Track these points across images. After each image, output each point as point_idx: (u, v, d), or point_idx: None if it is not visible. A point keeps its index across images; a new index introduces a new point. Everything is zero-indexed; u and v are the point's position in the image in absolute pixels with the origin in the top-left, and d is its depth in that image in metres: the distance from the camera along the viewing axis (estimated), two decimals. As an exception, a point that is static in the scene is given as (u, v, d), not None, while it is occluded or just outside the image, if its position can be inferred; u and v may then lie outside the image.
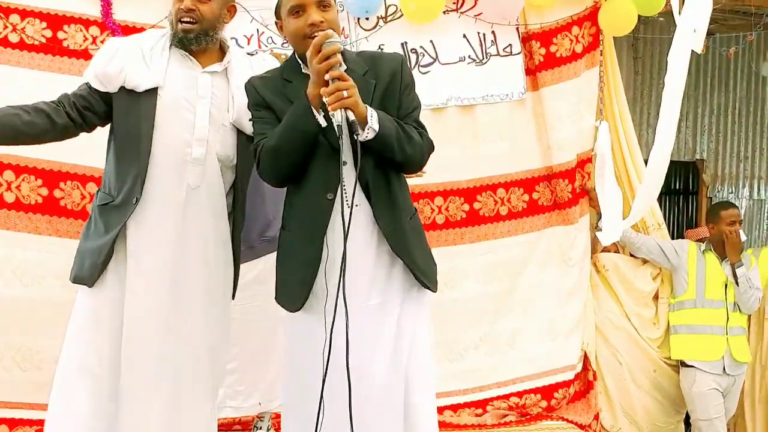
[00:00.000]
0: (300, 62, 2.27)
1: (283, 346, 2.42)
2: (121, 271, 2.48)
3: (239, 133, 2.56)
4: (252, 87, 2.28)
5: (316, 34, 2.12)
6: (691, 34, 3.34)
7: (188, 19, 2.46)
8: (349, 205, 2.12)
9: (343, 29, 3.83)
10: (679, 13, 3.37)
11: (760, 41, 5.96)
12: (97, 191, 2.60)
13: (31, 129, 2.41)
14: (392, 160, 2.19)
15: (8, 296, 3.39)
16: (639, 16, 4.15)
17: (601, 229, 4.28)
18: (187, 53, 2.52)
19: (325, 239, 2.17)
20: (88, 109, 2.50)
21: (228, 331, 2.74)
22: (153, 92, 2.46)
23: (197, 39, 2.49)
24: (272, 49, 3.72)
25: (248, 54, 3.29)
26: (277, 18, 2.32)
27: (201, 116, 2.49)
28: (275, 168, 2.20)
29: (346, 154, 2.13)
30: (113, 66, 2.45)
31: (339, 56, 2.05)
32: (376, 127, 2.09)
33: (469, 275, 4.00)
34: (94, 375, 2.48)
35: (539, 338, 4.12)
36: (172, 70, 2.50)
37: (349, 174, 2.15)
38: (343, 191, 2.09)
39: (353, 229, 2.08)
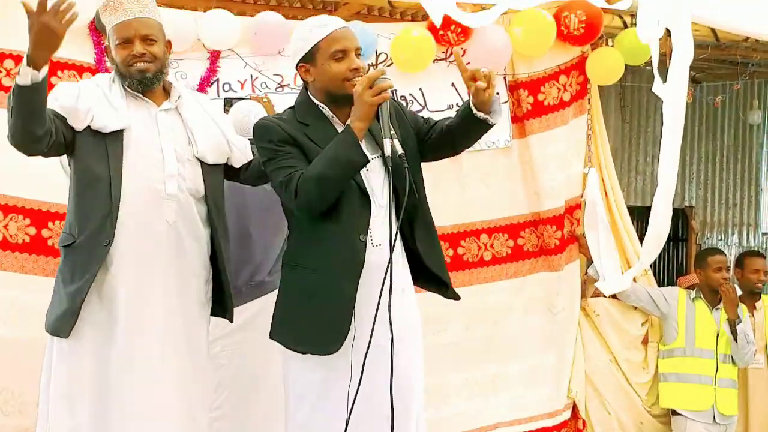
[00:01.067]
0: (319, 105, 2.35)
1: (288, 387, 2.42)
2: (98, 320, 2.47)
3: (202, 164, 2.61)
4: (274, 125, 2.32)
5: (357, 78, 2.23)
6: (682, 80, 3.42)
7: (142, 62, 2.50)
8: (391, 247, 2.16)
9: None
10: (657, 67, 3.44)
11: (747, 90, 6.06)
12: (62, 233, 2.60)
13: (42, 128, 2.37)
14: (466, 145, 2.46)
15: (-8, 337, 3.35)
16: (626, 65, 4.22)
17: (590, 275, 4.31)
18: (140, 95, 2.56)
19: (359, 281, 2.24)
20: (60, 134, 2.45)
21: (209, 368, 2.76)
22: (119, 133, 2.48)
23: (156, 77, 2.54)
24: (266, 94, 3.76)
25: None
26: (304, 62, 2.34)
27: (168, 153, 2.53)
28: (318, 198, 2.21)
29: (380, 195, 2.28)
30: (82, 104, 2.45)
31: (390, 92, 2.17)
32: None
33: (453, 320, 3.99)
34: None
35: (522, 384, 4.10)
36: (132, 112, 2.53)
37: (384, 216, 2.25)
38: (370, 233, 2.26)
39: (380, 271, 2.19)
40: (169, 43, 2.65)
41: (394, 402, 2.15)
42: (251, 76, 3.79)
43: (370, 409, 2.20)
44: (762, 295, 4.49)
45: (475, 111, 2.25)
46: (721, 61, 5.18)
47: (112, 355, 2.47)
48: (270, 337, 2.43)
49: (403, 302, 2.33)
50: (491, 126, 2.31)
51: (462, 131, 2.36)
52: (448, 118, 2.43)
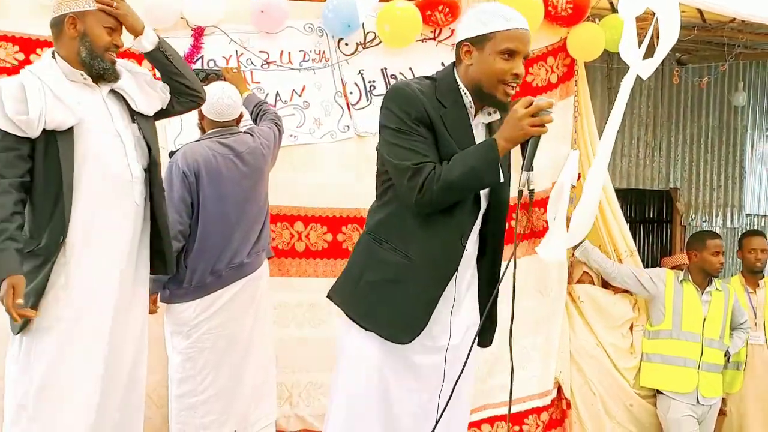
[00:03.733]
0: (462, 90, 2.22)
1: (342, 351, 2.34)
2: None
3: (139, 126, 2.61)
4: (416, 97, 2.16)
5: (513, 83, 2.15)
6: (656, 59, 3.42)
7: (115, 54, 2.54)
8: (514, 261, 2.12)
9: (323, 53, 3.85)
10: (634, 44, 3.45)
11: (732, 71, 6.08)
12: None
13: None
14: None
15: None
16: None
17: (577, 258, 4.32)
18: (86, 77, 2.52)
19: (454, 281, 2.24)
20: (28, 170, 2.41)
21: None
22: (70, 128, 2.44)
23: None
24: (239, 65, 3.73)
25: None
26: (471, 43, 2.19)
27: (126, 136, 2.55)
28: (440, 199, 2.13)
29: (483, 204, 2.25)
30: (33, 111, 2.37)
31: (547, 127, 2.06)
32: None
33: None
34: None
35: (515, 365, 4.10)
36: (82, 101, 2.50)
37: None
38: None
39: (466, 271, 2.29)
40: None
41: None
42: (236, 51, 3.76)
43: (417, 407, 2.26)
44: (766, 275, 4.52)
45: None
46: (707, 43, 5.17)
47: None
48: (328, 296, 2.36)
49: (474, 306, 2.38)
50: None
51: None
52: None
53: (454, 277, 2.23)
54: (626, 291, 4.37)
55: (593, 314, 4.29)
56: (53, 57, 2.52)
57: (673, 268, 4.52)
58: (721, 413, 4.36)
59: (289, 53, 3.83)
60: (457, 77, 2.22)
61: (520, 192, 2.07)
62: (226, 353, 3.28)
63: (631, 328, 4.35)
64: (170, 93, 2.71)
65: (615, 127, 3.58)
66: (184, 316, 3.24)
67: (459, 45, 2.22)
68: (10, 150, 2.38)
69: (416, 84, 2.23)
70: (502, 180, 2.13)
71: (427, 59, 3.94)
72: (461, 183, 2.10)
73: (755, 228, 6.25)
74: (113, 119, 2.53)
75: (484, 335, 2.36)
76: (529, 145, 2.08)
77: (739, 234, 5.35)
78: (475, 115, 2.24)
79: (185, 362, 3.25)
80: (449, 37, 3.99)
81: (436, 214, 2.17)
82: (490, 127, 2.28)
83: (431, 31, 3.98)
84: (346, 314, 2.29)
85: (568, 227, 4.08)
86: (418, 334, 2.19)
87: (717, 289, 4.23)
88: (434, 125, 2.16)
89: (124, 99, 2.60)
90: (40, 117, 2.37)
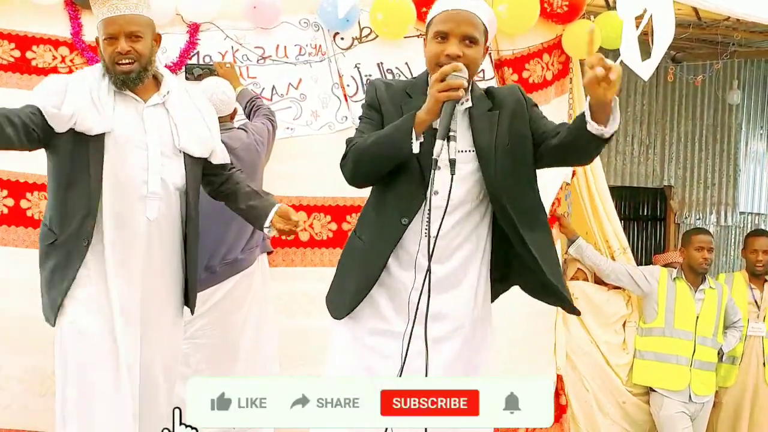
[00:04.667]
0: (429, 82, 2.19)
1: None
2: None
3: (185, 157, 2.60)
4: (373, 87, 2.25)
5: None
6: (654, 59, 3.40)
7: (126, 61, 2.49)
8: (427, 234, 2.06)
9: (320, 47, 3.84)
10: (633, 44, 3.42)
11: (727, 70, 6.09)
12: (42, 225, 2.59)
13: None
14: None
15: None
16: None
17: (570, 255, 4.33)
18: (130, 93, 2.54)
19: (414, 264, 2.15)
20: (33, 132, 2.43)
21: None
22: (101, 135, 2.46)
23: (139, 77, 2.52)
24: (233, 62, 3.72)
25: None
26: (424, 34, 2.24)
27: (153, 149, 2.52)
28: (355, 169, 2.17)
29: (439, 184, 2.08)
30: (66, 109, 2.41)
31: (462, 92, 2.00)
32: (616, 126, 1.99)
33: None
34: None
35: (512, 360, 4.11)
36: (118, 110, 2.51)
37: (438, 205, 2.10)
38: (425, 221, 2.09)
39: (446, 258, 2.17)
40: (158, 37, 2.62)
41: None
42: (232, 48, 3.75)
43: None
44: None
45: (588, 119, 1.96)
46: (702, 41, 5.19)
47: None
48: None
49: (448, 294, 2.22)
50: (606, 141, 2.02)
51: (573, 147, 2.10)
52: (562, 126, 2.19)
53: (414, 260, 2.15)
54: (619, 288, 4.37)
55: (587, 311, 4.28)
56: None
57: (665, 265, 4.53)
58: (715, 405, 4.37)
59: (285, 48, 3.82)
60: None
61: (435, 161, 1.96)
62: (220, 349, 3.28)
63: (624, 325, 4.36)
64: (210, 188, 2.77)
65: None
66: (178, 312, 3.24)
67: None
68: (32, 113, 2.40)
69: (392, 81, 2.30)
70: (415, 151, 2.05)
71: (423, 54, 3.94)
72: (372, 150, 2.12)
73: (752, 226, 6.27)
74: (146, 132, 2.52)
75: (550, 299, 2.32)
76: (443, 114, 2.00)
77: (733, 232, 5.37)
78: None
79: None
80: (445, 33, 3.99)
81: (385, 195, 2.19)
82: (471, 115, 2.22)
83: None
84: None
85: (553, 225, 4.10)
86: (348, 312, 2.19)
87: (711, 287, 4.24)
88: (384, 110, 2.19)
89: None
90: (71, 118, 2.41)
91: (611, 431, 4.26)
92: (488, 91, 2.29)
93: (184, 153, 2.59)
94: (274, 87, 3.80)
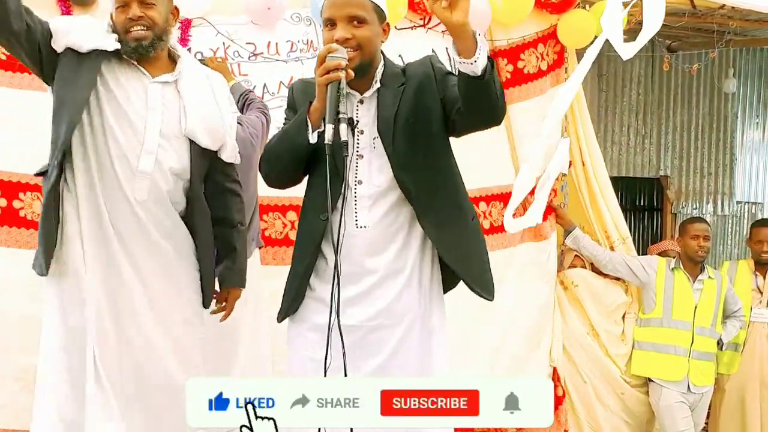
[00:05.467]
0: None
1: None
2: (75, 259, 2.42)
3: (191, 144, 2.49)
4: (291, 90, 2.28)
5: (348, 49, 2.04)
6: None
7: (139, 27, 2.39)
8: (336, 222, 2.05)
9: (311, 42, 3.81)
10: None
11: (723, 58, 6.07)
12: None
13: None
14: (480, 115, 2.06)
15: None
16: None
17: (567, 246, 4.31)
18: (135, 63, 2.44)
19: (316, 260, 2.18)
20: (33, 31, 2.34)
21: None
22: (97, 59, 2.37)
23: (152, 45, 2.41)
24: (225, 57, 3.68)
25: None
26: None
27: (151, 128, 2.41)
28: (264, 169, 2.22)
29: (360, 173, 2.12)
30: (65, 22, 2.39)
31: (342, 72, 1.97)
32: (485, 59, 1.90)
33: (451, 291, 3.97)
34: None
35: (515, 353, 4.11)
36: (122, 80, 2.42)
37: (374, 198, 2.13)
38: (355, 214, 2.12)
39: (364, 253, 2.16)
40: (175, 10, 2.52)
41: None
42: (223, 44, 3.72)
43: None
44: None
45: (456, 58, 1.91)
46: (697, 29, 5.17)
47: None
48: None
49: (382, 286, 2.18)
50: (486, 82, 1.94)
51: (465, 102, 2.03)
52: None
53: (320, 251, 2.17)
54: (618, 278, 4.36)
55: (588, 299, 4.28)
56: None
57: (660, 254, 4.52)
58: (717, 392, 4.35)
59: (277, 44, 3.79)
60: None
61: (328, 145, 1.94)
62: (216, 344, 3.25)
63: (624, 316, 4.35)
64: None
65: (568, 93, 3.47)
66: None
67: None
68: (41, 22, 2.36)
69: (311, 79, 2.23)
70: (312, 141, 2.04)
71: (417, 46, 3.89)
72: (275, 147, 2.16)
73: (749, 216, 6.27)
74: (147, 108, 2.41)
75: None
76: (328, 96, 1.97)
77: (730, 221, 5.36)
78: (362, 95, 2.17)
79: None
80: (439, 23, 3.96)
81: (308, 194, 2.23)
82: (380, 95, 2.17)
83: (420, 18, 3.95)
84: None
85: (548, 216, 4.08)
86: (285, 315, 2.25)
87: (710, 276, 4.22)
88: (298, 108, 2.16)
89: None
90: (68, 33, 2.34)
91: (611, 422, 4.27)
92: (404, 68, 2.24)
93: (190, 140, 2.48)
94: (265, 85, 3.76)
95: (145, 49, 2.40)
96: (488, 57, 1.93)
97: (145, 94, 2.42)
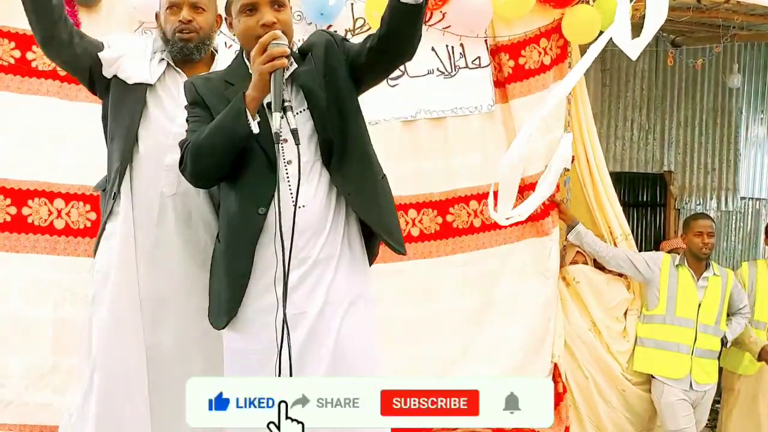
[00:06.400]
0: (247, 63, 2.15)
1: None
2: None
3: None
4: (191, 85, 2.18)
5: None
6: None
7: (187, 30, 2.49)
8: (279, 219, 1.96)
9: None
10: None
11: (727, 53, 6.04)
12: None
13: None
14: (405, 45, 2.05)
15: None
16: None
17: (570, 242, 4.30)
18: (174, 67, 2.53)
19: (255, 255, 2.09)
20: (79, 45, 2.47)
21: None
22: (142, 90, 2.47)
23: (197, 49, 2.52)
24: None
25: None
26: (227, 14, 2.25)
27: (179, 124, 2.45)
28: (195, 167, 2.08)
29: (289, 158, 2.05)
30: (113, 51, 2.48)
31: (285, 59, 1.96)
32: None
33: (446, 288, 3.97)
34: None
35: (517, 349, 4.10)
36: (163, 78, 2.52)
37: (308, 184, 2.06)
38: (278, 206, 1.96)
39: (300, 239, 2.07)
40: (219, 18, 2.60)
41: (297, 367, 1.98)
42: (225, 43, 3.70)
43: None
44: None
45: None
46: (702, 24, 5.15)
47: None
48: None
49: (327, 272, 2.13)
50: (418, 7, 1.93)
51: (393, 32, 2.00)
52: (370, 35, 2.12)
53: (270, 244, 2.05)
54: (620, 274, 4.35)
55: (590, 295, 4.27)
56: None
57: (671, 251, 4.50)
58: (728, 391, 4.32)
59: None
60: (243, 52, 2.19)
61: (277, 135, 1.90)
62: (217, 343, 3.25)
63: (626, 313, 4.33)
64: None
65: (567, 84, 3.45)
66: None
67: (225, 21, 2.26)
68: (95, 44, 2.51)
69: (209, 72, 2.28)
70: (255, 131, 1.99)
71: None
72: (208, 142, 2.03)
73: (753, 212, 6.24)
74: (178, 105, 2.46)
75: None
76: (273, 85, 1.94)
77: (734, 217, 5.34)
78: None
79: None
80: (440, 20, 3.95)
81: (233, 190, 2.11)
82: (295, 76, 2.14)
83: (421, 17, 3.93)
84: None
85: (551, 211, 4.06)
86: (233, 316, 2.12)
87: (715, 274, 4.20)
88: (208, 103, 2.11)
89: None
90: (117, 60, 2.47)
91: (612, 419, 4.26)
92: (300, 48, 2.21)
93: None
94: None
95: (190, 51, 2.51)
96: None
97: (178, 92, 2.48)
